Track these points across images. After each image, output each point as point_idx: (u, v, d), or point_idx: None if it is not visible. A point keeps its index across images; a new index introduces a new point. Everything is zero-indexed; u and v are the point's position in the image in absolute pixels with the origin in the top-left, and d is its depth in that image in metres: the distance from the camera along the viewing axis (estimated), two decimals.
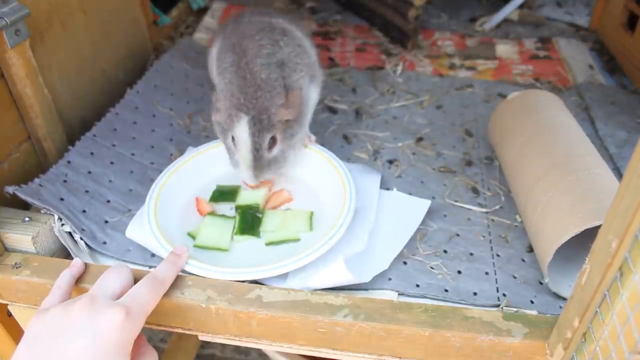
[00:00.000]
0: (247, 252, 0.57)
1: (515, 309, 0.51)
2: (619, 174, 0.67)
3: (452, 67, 0.97)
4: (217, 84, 0.66)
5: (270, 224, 0.59)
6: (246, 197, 0.63)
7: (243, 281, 0.51)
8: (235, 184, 0.64)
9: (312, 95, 0.68)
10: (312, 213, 0.60)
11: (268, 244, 0.58)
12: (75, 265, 0.51)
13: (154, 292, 0.46)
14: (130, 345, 0.42)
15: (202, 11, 1.12)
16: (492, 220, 0.62)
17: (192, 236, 0.58)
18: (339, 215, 0.56)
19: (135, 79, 0.84)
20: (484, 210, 0.64)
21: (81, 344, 0.40)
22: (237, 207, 0.61)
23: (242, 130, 0.60)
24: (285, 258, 0.52)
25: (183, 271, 0.52)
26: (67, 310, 0.42)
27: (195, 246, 0.57)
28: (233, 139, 0.61)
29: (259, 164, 0.61)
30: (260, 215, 0.61)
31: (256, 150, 0.60)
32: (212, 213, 0.61)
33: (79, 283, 0.50)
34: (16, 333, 0.60)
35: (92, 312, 0.42)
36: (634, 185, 0.31)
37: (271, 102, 0.60)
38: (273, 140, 0.61)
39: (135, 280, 0.47)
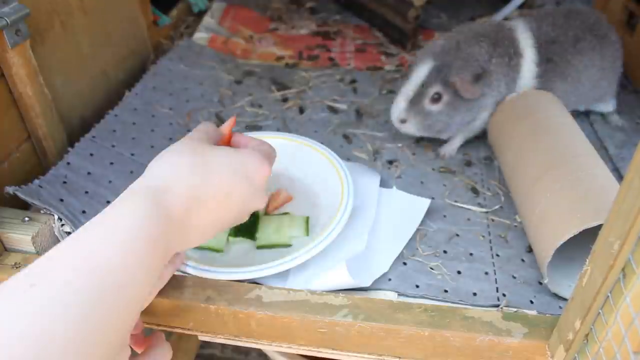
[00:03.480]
0: (242, 254, 0.57)
1: (514, 309, 0.51)
2: (619, 175, 0.67)
3: None
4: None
5: (267, 229, 0.59)
6: None
7: (242, 281, 0.51)
8: None
9: (483, 114, 0.70)
10: (308, 218, 0.60)
11: (259, 247, 0.57)
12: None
13: None
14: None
15: (202, 12, 1.12)
16: (492, 220, 0.62)
17: None
18: (336, 214, 0.56)
19: (135, 78, 0.84)
20: (483, 210, 0.64)
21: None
22: None
23: (423, 69, 0.66)
24: (283, 257, 0.52)
25: (181, 272, 0.52)
26: None
27: None
28: (408, 80, 0.67)
29: (416, 104, 0.66)
30: (257, 215, 0.60)
31: (421, 91, 0.66)
32: None
33: None
34: None
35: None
36: (636, 187, 0.31)
37: (461, 69, 0.65)
38: (438, 96, 0.66)
39: None
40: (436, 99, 0.66)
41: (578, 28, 0.72)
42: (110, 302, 0.34)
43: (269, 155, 0.51)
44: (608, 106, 0.79)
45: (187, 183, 0.42)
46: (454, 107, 0.67)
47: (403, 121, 0.69)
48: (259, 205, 0.49)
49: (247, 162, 0.46)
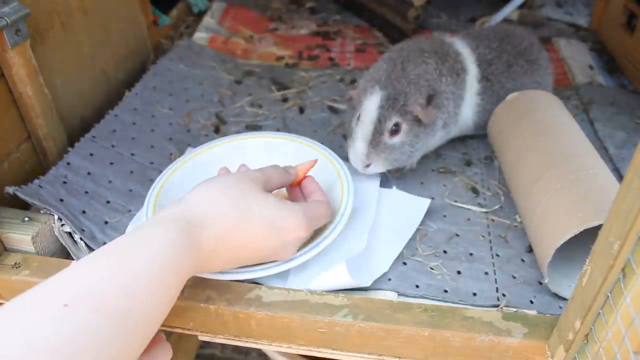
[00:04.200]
0: None
1: (514, 309, 0.51)
2: (619, 175, 0.67)
3: None
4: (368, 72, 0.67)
5: None
6: None
7: (242, 281, 0.51)
8: None
9: (439, 133, 0.66)
10: None
11: None
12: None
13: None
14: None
15: (202, 13, 1.12)
16: (492, 220, 0.62)
17: None
18: (336, 214, 0.56)
19: (135, 78, 0.85)
20: (483, 210, 0.64)
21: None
22: None
23: (373, 102, 0.60)
24: None
25: None
26: None
27: None
28: (359, 117, 0.61)
29: (376, 143, 0.60)
30: None
31: (378, 127, 0.60)
32: None
33: None
34: None
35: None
36: (636, 187, 0.31)
37: (412, 92, 0.60)
38: (397, 127, 0.60)
39: None
40: (395, 130, 0.61)
41: (510, 53, 0.72)
42: (134, 327, 0.36)
43: (316, 217, 0.51)
44: None
45: (222, 224, 0.44)
46: (415, 134, 0.62)
47: (368, 165, 0.62)
48: (285, 257, 0.50)
49: (286, 219, 0.47)
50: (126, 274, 0.37)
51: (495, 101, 0.70)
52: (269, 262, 0.52)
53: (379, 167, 0.63)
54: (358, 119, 0.62)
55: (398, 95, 0.60)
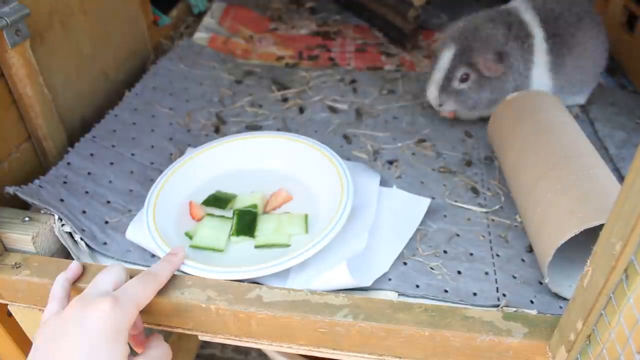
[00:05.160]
0: (242, 254, 0.57)
1: (515, 309, 0.51)
2: (619, 175, 0.67)
3: None
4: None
5: (266, 228, 0.59)
6: (244, 201, 0.62)
7: (242, 280, 0.51)
8: (231, 192, 0.64)
9: (507, 93, 0.72)
10: (306, 216, 0.60)
11: (257, 246, 0.57)
12: (71, 268, 0.51)
13: (145, 284, 0.46)
14: (123, 335, 0.42)
15: (202, 14, 1.12)
16: (492, 220, 0.62)
17: (190, 236, 0.58)
18: (336, 212, 0.56)
19: (135, 79, 0.85)
20: (484, 210, 0.64)
21: (73, 339, 0.40)
22: (235, 210, 0.61)
23: (447, 54, 0.73)
24: (282, 256, 0.52)
25: (181, 272, 0.52)
26: (61, 315, 0.43)
27: (191, 246, 0.57)
28: (435, 67, 0.74)
29: (447, 87, 0.73)
30: (255, 212, 0.60)
31: (449, 74, 0.73)
32: (211, 214, 0.61)
33: (79, 283, 0.50)
34: (16, 333, 0.60)
35: (81, 307, 0.42)
36: (637, 188, 0.31)
37: (481, 49, 0.71)
38: (466, 76, 0.72)
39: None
40: (464, 79, 0.73)
41: (579, 7, 0.77)
42: None
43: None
44: (581, 98, 0.82)
45: None
46: (481, 85, 0.73)
47: (441, 104, 0.75)
48: None
49: None
50: None
51: (568, 53, 0.75)
52: (269, 261, 0.52)
53: (450, 106, 0.76)
54: (435, 68, 0.75)
55: (468, 49, 0.72)
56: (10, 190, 0.57)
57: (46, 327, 0.43)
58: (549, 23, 0.75)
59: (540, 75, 0.76)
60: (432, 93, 0.75)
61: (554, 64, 0.75)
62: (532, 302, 0.52)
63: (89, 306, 0.42)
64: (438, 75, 0.74)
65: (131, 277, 0.47)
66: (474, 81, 0.73)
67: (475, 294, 0.53)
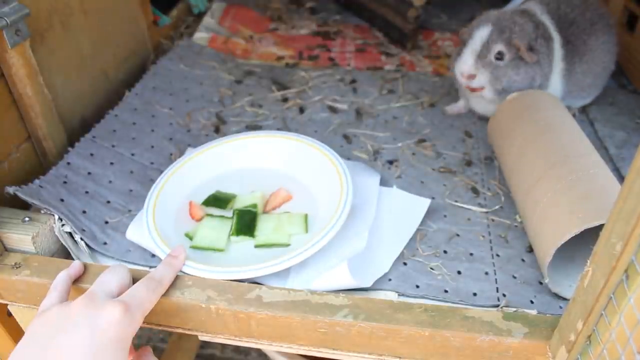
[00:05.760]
0: (242, 254, 0.57)
1: (515, 309, 0.51)
2: (619, 175, 0.67)
3: None
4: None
5: (266, 227, 0.59)
6: (244, 201, 0.62)
7: (241, 280, 0.51)
8: (231, 192, 0.64)
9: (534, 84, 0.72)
10: (306, 215, 0.60)
11: (257, 246, 0.57)
12: (74, 267, 0.51)
13: (151, 291, 0.46)
14: (128, 342, 0.42)
15: (202, 14, 1.12)
16: (492, 220, 0.62)
17: (190, 237, 0.58)
18: (335, 211, 0.56)
19: (135, 79, 0.84)
20: (484, 210, 0.64)
21: (79, 339, 0.40)
22: (235, 210, 0.61)
23: (484, 31, 0.71)
24: (282, 256, 0.52)
25: (181, 272, 0.52)
26: (65, 308, 0.43)
27: (191, 247, 0.57)
28: (468, 43, 0.72)
29: (483, 57, 0.70)
30: (255, 212, 0.60)
31: (486, 48, 0.70)
32: (211, 215, 0.61)
33: (79, 283, 0.50)
34: (16, 333, 0.60)
35: (91, 308, 0.42)
36: (637, 188, 0.31)
37: (518, 32, 0.70)
38: (501, 55, 0.70)
39: (134, 280, 0.47)
40: (499, 57, 0.70)
41: (593, 12, 0.76)
42: None
43: None
44: (588, 100, 0.82)
45: None
46: (516, 66, 0.70)
47: (471, 77, 0.72)
48: None
49: None
50: None
51: (579, 61, 0.74)
52: (269, 261, 0.52)
53: (482, 80, 0.71)
54: (466, 44, 0.72)
55: (506, 29, 0.70)
56: (10, 190, 0.57)
57: (49, 315, 0.43)
58: (564, 29, 0.74)
59: (555, 81, 0.75)
60: (466, 62, 0.71)
61: (567, 71, 0.74)
62: (532, 302, 0.52)
63: (100, 308, 0.42)
64: (474, 47, 0.71)
65: (133, 279, 0.47)
66: (510, 61, 0.70)
67: (475, 294, 0.53)
